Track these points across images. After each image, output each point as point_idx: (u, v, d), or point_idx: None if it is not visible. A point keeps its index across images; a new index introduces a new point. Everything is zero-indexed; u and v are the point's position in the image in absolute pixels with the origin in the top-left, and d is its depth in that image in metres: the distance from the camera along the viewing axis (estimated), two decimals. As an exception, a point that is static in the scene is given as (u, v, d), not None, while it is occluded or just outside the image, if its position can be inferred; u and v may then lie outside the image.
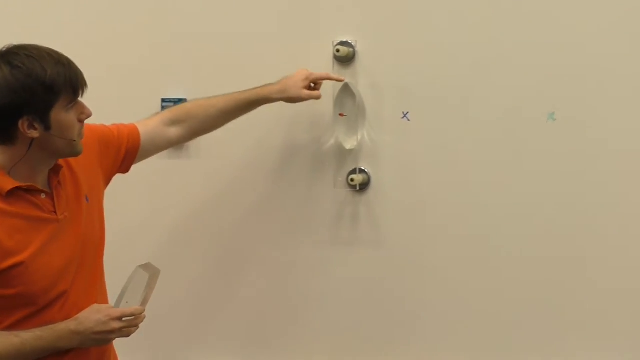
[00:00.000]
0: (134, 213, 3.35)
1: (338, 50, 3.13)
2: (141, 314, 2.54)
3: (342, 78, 3.05)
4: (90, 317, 2.48)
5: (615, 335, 3.08)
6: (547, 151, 3.08)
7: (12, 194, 2.46)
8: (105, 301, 2.65)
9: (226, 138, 3.19)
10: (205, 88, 3.15)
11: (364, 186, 3.21)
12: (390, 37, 3.16)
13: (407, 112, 3.16)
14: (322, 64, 3.15)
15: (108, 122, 2.84)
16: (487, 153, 3.13)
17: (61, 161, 2.56)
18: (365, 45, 3.16)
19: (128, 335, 2.53)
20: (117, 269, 2.71)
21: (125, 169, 2.83)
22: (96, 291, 2.64)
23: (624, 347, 3.07)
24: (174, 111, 2.92)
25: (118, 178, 2.87)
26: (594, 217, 3.06)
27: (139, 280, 2.55)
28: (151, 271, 2.60)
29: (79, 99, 2.47)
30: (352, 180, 3.18)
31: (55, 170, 2.55)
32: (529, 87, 3.07)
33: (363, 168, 3.21)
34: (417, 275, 3.21)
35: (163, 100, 3.30)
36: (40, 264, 2.47)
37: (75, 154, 2.51)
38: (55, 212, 2.52)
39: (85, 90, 2.47)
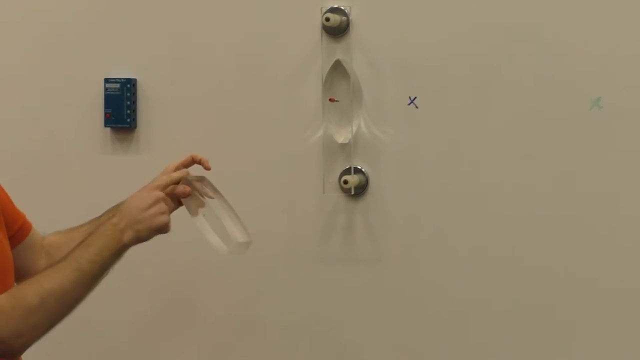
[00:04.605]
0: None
1: (327, 19, 3.01)
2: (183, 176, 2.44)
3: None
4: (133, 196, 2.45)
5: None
6: (591, 147, 2.91)
7: None
8: None
9: (188, 132, 3.13)
10: (159, 66, 3.13)
11: (360, 190, 3.07)
12: (392, 2, 3.03)
13: (415, 98, 3.02)
14: (308, 36, 3.04)
15: (43, 109, 3.07)
16: (514, 148, 2.97)
17: None
18: (361, 13, 3.04)
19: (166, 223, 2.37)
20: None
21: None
22: None
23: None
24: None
25: (47, 177, 3.07)
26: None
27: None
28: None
29: None
30: (345, 182, 3.03)
31: None
32: (569, 65, 2.90)
33: (359, 167, 3.07)
34: (424, 299, 3.07)
35: (106, 81, 3.20)
36: None
37: None
38: None
39: None
